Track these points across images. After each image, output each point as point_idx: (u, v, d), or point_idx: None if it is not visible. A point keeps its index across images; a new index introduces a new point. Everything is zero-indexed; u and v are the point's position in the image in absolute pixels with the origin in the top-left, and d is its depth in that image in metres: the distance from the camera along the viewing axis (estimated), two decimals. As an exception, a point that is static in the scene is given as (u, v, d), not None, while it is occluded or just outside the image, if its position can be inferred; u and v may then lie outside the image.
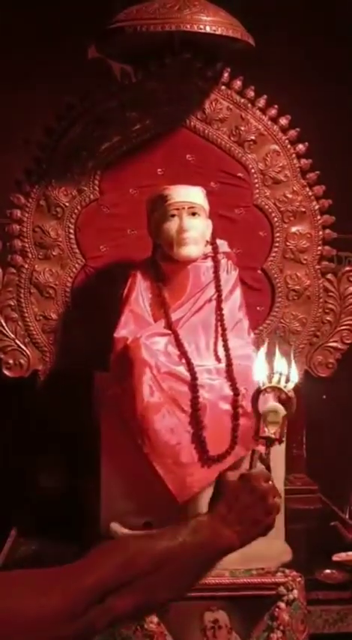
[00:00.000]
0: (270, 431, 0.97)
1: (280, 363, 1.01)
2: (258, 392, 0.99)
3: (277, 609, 1.33)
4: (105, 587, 0.82)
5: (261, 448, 0.97)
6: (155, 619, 1.31)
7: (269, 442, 0.97)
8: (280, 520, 1.65)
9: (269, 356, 1.02)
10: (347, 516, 1.88)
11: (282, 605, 1.33)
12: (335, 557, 1.54)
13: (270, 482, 0.93)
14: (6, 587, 0.79)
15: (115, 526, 1.62)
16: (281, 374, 1.00)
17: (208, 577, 1.36)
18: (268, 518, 0.92)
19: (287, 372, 1.00)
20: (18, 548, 1.72)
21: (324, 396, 2.26)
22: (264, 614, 1.33)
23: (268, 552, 1.55)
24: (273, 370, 1.00)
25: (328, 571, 1.51)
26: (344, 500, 1.93)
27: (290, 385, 1.00)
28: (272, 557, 1.52)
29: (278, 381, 1.00)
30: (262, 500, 0.91)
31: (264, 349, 1.05)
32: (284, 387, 1.00)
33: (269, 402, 0.99)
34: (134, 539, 0.94)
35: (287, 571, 1.40)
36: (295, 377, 1.01)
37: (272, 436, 0.97)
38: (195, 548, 0.88)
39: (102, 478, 1.67)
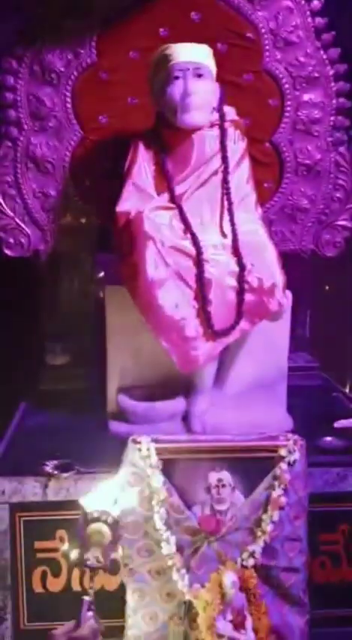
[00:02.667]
0: (94, 554, 1.04)
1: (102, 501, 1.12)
2: (85, 516, 1.09)
3: (279, 469, 1.38)
4: None
5: (87, 598, 1.05)
6: (161, 478, 1.36)
7: (92, 570, 1.04)
8: (282, 392, 1.69)
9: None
10: (347, 390, 1.92)
11: (284, 465, 1.38)
12: (337, 424, 1.59)
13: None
14: None
15: (122, 398, 1.66)
16: (105, 510, 1.11)
17: (212, 440, 1.43)
18: None
19: (112, 508, 1.12)
20: (27, 420, 1.77)
21: (327, 287, 2.24)
22: (267, 474, 1.38)
23: (270, 421, 1.60)
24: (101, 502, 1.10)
25: (329, 438, 1.56)
26: (345, 376, 1.97)
27: (112, 517, 1.11)
28: (274, 426, 1.57)
29: (103, 514, 1.10)
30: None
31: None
32: (107, 519, 1.10)
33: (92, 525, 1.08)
34: None
35: (289, 435, 1.44)
36: (116, 512, 1.14)
37: (95, 563, 1.04)
38: None
39: (108, 352, 1.69)
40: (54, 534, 1.46)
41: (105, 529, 1.09)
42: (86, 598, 1.10)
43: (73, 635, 0.94)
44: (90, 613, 1.07)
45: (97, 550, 1.08)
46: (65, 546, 1.44)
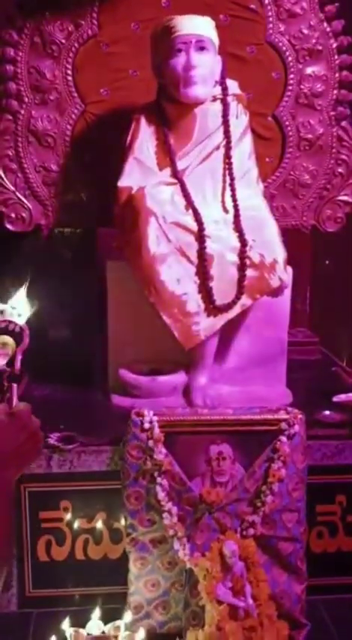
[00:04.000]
0: (2, 362, 1.01)
1: (11, 298, 1.06)
2: None
3: (278, 442, 1.40)
4: None
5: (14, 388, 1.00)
6: (163, 450, 1.39)
7: (7, 375, 1.00)
8: (282, 367, 1.71)
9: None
10: (345, 364, 1.94)
11: (283, 438, 1.40)
12: (335, 399, 1.61)
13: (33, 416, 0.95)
14: None
15: (124, 372, 1.68)
16: (13, 307, 1.05)
17: (213, 414, 1.45)
18: (37, 453, 0.97)
19: (20, 307, 1.06)
20: (31, 393, 1.79)
21: (327, 262, 2.24)
22: (266, 447, 1.41)
23: (270, 396, 1.63)
24: (5, 304, 1.05)
25: (327, 412, 1.58)
26: (344, 351, 1.98)
27: (23, 319, 1.05)
28: (274, 400, 1.59)
29: (11, 314, 1.04)
30: (34, 435, 0.95)
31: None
32: (17, 319, 1.04)
33: None
34: None
35: (288, 408, 1.46)
36: (26, 312, 1.06)
37: (6, 368, 1.01)
38: None
39: (110, 327, 1.70)
40: (58, 505, 1.49)
41: (9, 340, 1.10)
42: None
43: (11, 411, 0.96)
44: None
45: (2, 359, 1.09)
46: (69, 516, 1.47)
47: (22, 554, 1.50)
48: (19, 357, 1.03)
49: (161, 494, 1.38)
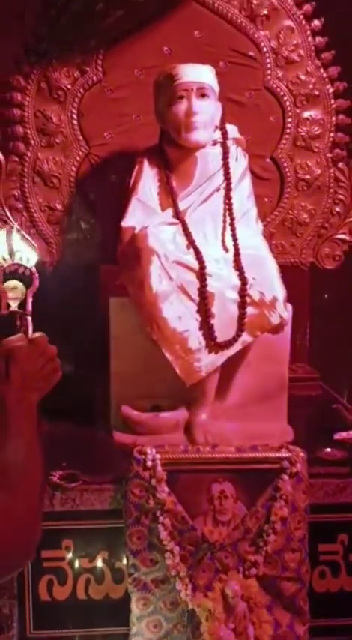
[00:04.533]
0: (14, 305, 1.06)
1: (19, 243, 1.10)
2: (3, 270, 1.09)
3: (280, 481, 1.41)
4: None
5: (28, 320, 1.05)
6: (166, 489, 1.39)
7: (12, 315, 1.05)
8: (283, 403, 1.72)
9: (9, 238, 1.11)
10: (345, 401, 1.95)
11: (285, 477, 1.41)
12: (337, 436, 1.62)
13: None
14: None
15: (126, 409, 1.69)
16: (22, 252, 1.09)
17: (215, 452, 1.46)
18: (57, 375, 1.00)
19: (28, 252, 1.10)
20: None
21: (326, 295, 2.28)
22: (268, 485, 1.42)
23: (271, 433, 1.63)
24: (14, 249, 1.09)
25: (328, 449, 1.59)
26: (344, 387, 2.00)
27: (32, 262, 1.09)
28: (275, 437, 1.60)
29: (21, 258, 1.09)
30: (52, 361, 0.99)
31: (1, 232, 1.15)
32: (26, 263, 1.09)
33: (8, 281, 1.08)
34: None
35: (290, 447, 1.47)
36: (35, 256, 1.11)
37: (16, 309, 1.05)
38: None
39: (112, 363, 1.72)
40: (60, 543, 1.49)
41: (19, 284, 1.11)
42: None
43: (29, 338, 0.99)
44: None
45: (14, 302, 1.11)
46: (70, 555, 1.47)
47: (23, 594, 1.49)
48: (29, 300, 1.07)
49: (163, 534, 1.39)
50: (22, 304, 1.07)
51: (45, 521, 1.46)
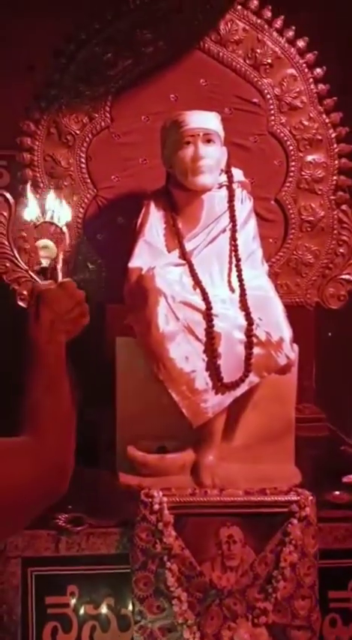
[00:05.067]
0: (45, 263, 1.07)
1: (51, 201, 1.11)
2: (35, 227, 1.10)
3: (290, 525, 1.39)
4: None
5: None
6: (173, 533, 1.37)
7: (43, 271, 1.07)
8: (290, 445, 1.71)
9: (42, 198, 1.13)
10: (353, 442, 1.94)
11: (295, 521, 1.39)
12: (345, 479, 1.60)
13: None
14: None
15: (131, 450, 1.68)
16: (53, 211, 1.10)
17: (223, 495, 1.44)
18: (85, 319, 1.03)
19: (59, 209, 1.10)
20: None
21: (330, 334, 2.28)
22: (277, 530, 1.39)
23: (279, 474, 1.62)
24: (46, 208, 1.10)
25: (337, 492, 1.57)
26: (351, 428, 1.98)
27: (63, 220, 1.10)
28: (282, 479, 1.58)
29: (52, 217, 1.10)
30: (80, 304, 1.02)
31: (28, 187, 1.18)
32: (58, 221, 1.10)
33: (40, 241, 1.09)
34: None
35: (299, 490, 1.45)
36: (67, 214, 1.11)
37: (47, 266, 1.07)
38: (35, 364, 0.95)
39: (118, 403, 1.72)
40: (65, 589, 1.46)
41: (50, 243, 1.09)
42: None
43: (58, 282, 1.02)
44: None
45: (46, 261, 1.10)
46: (75, 601, 1.44)
47: (27, 642, 1.45)
48: (60, 257, 1.08)
49: (171, 580, 1.36)
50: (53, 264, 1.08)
51: (50, 565, 1.46)
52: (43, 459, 0.90)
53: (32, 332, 0.96)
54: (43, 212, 1.11)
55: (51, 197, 1.12)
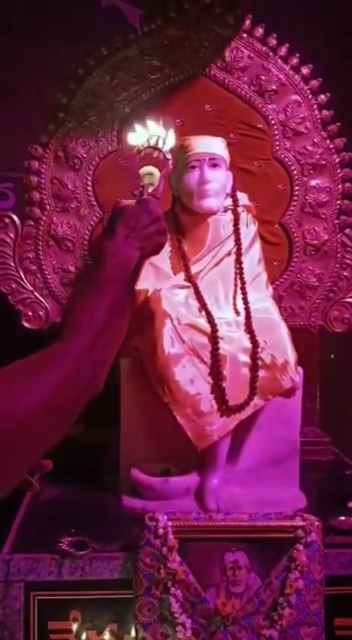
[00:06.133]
0: (148, 190, 1.08)
1: (156, 128, 1.12)
2: (138, 152, 1.12)
3: (295, 551, 1.37)
4: None
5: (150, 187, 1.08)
6: (177, 558, 1.36)
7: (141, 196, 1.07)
8: (295, 468, 1.70)
9: (145, 123, 1.14)
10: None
11: (300, 547, 1.37)
12: (351, 504, 1.58)
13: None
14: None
15: (135, 473, 1.67)
16: (158, 137, 1.10)
17: (228, 520, 1.43)
18: (162, 237, 1.03)
19: (164, 136, 1.11)
20: (40, 493, 1.77)
21: (332, 356, 2.28)
22: (283, 555, 1.38)
23: (283, 498, 1.61)
24: (151, 133, 1.11)
25: (342, 517, 1.55)
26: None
27: (168, 146, 1.11)
28: (287, 503, 1.57)
29: (156, 143, 1.10)
30: (157, 222, 1.01)
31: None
32: (162, 147, 1.11)
33: (144, 167, 1.11)
34: None
35: (305, 515, 1.44)
36: (172, 140, 1.11)
37: (149, 189, 1.08)
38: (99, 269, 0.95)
39: (122, 425, 1.71)
40: (68, 615, 1.44)
41: (155, 170, 1.10)
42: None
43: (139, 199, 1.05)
44: None
45: (150, 188, 1.10)
46: (78, 627, 1.42)
47: (28, 669, 1.43)
48: (162, 182, 1.09)
49: (175, 606, 1.34)
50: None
51: (53, 590, 1.44)
52: (74, 360, 0.87)
53: (104, 244, 0.96)
54: (149, 139, 1.11)
55: (153, 124, 1.13)
